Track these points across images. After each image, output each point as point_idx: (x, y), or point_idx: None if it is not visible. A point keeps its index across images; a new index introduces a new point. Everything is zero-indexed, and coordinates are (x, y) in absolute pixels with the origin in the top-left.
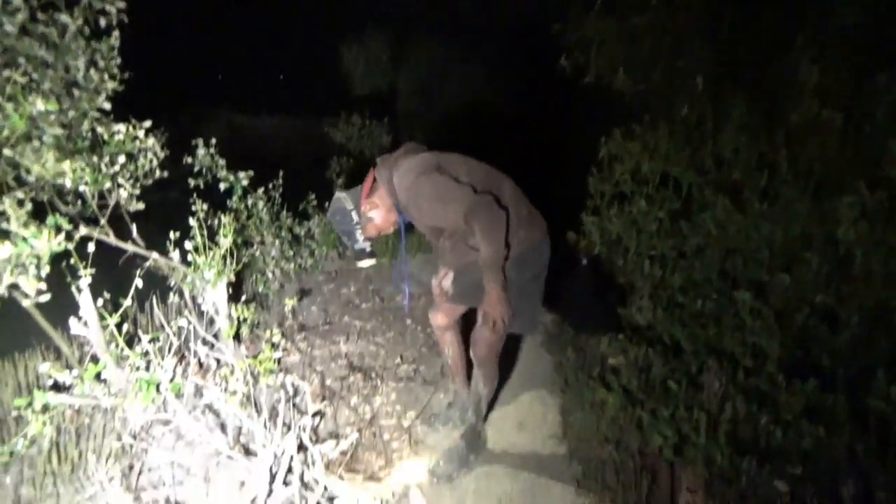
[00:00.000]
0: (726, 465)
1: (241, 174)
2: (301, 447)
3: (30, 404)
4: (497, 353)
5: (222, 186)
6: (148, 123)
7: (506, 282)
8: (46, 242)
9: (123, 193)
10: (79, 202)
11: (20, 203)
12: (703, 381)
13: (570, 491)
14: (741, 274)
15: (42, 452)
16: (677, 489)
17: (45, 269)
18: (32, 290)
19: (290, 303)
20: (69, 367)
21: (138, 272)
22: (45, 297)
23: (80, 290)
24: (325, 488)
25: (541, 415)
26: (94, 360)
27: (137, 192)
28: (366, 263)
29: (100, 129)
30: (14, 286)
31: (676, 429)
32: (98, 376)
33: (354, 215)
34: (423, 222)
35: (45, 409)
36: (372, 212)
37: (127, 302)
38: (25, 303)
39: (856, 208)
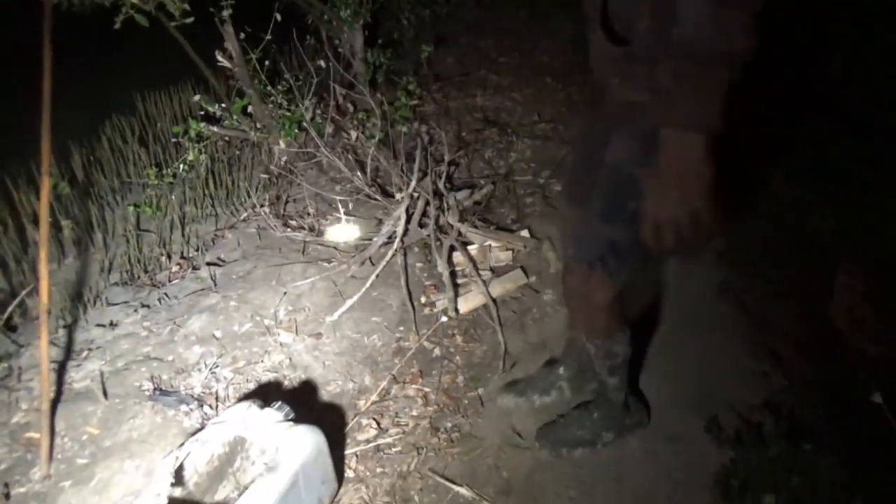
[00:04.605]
0: None
1: None
2: (436, 193)
3: (185, 132)
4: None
5: None
6: None
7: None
8: None
9: None
10: None
11: None
12: (888, 160)
13: (711, 263)
14: None
15: (200, 177)
16: (833, 270)
17: None
18: (177, 11)
19: (426, 50)
20: (217, 100)
21: (277, 5)
22: (190, 19)
23: (222, 22)
24: (459, 233)
25: None
26: (240, 94)
27: None
28: None
29: None
30: (161, 7)
31: (845, 210)
32: (244, 110)
33: None
34: None
35: (199, 138)
36: None
37: (267, 36)
38: (172, 24)
39: None
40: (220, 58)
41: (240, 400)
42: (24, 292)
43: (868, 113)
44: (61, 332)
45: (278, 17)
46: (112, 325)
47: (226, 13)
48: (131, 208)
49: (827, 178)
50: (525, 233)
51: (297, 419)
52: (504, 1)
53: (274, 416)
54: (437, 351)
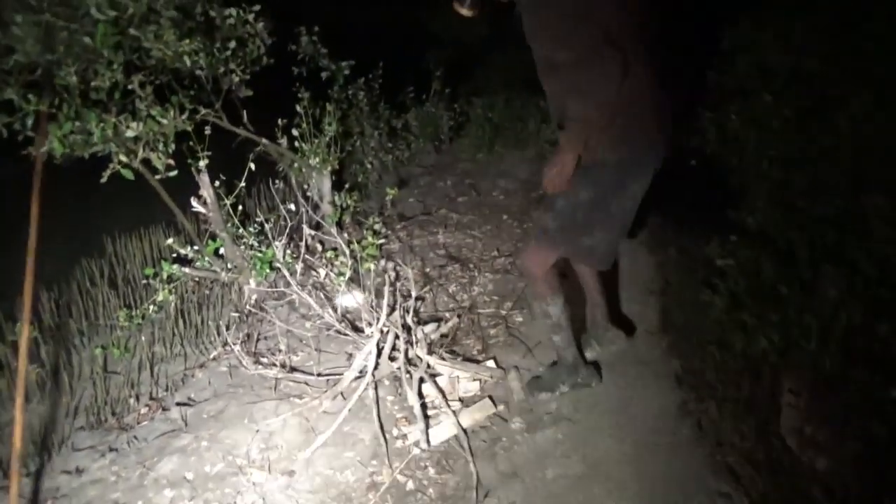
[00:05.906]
0: (835, 371)
1: (343, 63)
2: (404, 327)
3: (156, 274)
4: (542, 271)
5: (324, 76)
6: (257, 7)
7: (577, 152)
8: (172, 120)
9: (235, 79)
10: (195, 86)
11: (142, 85)
12: (818, 287)
13: (669, 386)
14: (874, 176)
15: (169, 318)
16: (780, 391)
17: (172, 147)
18: (162, 166)
19: (391, 192)
20: (190, 242)
21: (251, 156)
22: (174, 173)
23: (199, 171)
24: (428, 365)
25: (639, 312)
26: (212, 237)
27: (247, 77)
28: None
29: (212, 13)
30: (146, 162)
31: (784, 333)
32: (216, 252)
33: None
34: (535, 39)
35: (170, 279)
36: None
37: (241, 184)
38: (155, 178)
39: None
40: (195, 204)
41: None
42: None
43: (790, 238)
44: (25, 480)
45: (252, 166)
46: (78, 471)
47: (202, 163)
48: (98, 350)
49: (762, 300)
50: (491, 363)
51: None
52: (460, 145)
53: None
54: (410, 484)
